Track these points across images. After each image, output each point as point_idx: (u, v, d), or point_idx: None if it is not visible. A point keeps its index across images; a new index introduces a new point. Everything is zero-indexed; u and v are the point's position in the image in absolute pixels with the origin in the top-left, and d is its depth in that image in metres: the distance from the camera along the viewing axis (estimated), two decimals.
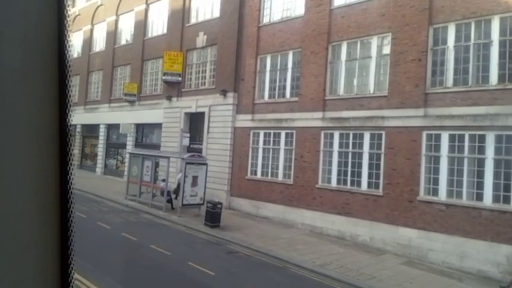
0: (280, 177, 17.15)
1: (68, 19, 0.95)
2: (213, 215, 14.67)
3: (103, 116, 28.56)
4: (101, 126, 28.86)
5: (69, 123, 0.96)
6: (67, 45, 0.94)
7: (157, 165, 19.17)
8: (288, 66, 17.43)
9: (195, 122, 21.93)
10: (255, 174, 18.21)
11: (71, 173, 0.97)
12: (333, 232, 14.92)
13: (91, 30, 31.39)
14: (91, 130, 30.67)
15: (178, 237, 13.14)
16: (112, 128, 28.66)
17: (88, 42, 31.52)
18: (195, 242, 12.69)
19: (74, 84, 33.12)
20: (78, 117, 31.29)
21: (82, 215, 14.44)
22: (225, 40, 19.92)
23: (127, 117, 26.05)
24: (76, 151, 31.57)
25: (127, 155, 25.61)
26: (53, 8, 0.92)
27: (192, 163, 16.31)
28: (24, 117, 0.87)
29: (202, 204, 16.73)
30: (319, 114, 15.76)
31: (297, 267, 10.96)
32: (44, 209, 0.92)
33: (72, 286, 1.00)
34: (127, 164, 25.58)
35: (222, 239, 13.21)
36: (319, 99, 15.86)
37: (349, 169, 14.80)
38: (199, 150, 20.49)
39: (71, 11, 33.48)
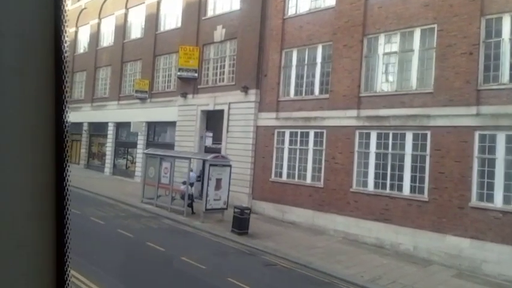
0: (308, 180, 16.02)
1: (66, 15, 0.93)
2: (240, 222, 13.55)
3: (112, 113, 27.38)
4: (109, 124, 27.67)
5: (66, 121, 0.94)
6: (64, 42, 0.93)
7: (150, 164, 17.97)
8: (317, 60, 16.28)
9: (212, 121, 20.78)
10: (280, 176, 17.08)
11: (67, 170, 0.96)
12: (371, 240, 13.81)
13: (98, 24, 30.15)
14: (98, 128, 29.47)
15: (207, 246, 12.01)
16: (121, 126, 27.47)
17: (95, 37, 30.29)
18: (227, 252, 11.56)
19: (80, 80, 32.03)
20: (85, 115, 30.16)
21: (100, 221, 13.33)
22: (245, 34, 18.76)
23: (138, 115, 24.87)
24: (82, 150, 30.44)
25: (138, 155, 24.52)
26: (50, 4, 0.91)
27: (216, 164, 15.18)
28: (20, 115, 0.87)
29: (226, 208, 15.62)
30: (353, 113, 14.62)
31: (346, 282, 9.84)
32: (40, 206, 0.91)
33: (68, 283, 0.99)
34: (140, 165, 24.48)
35: (254, 249, 12.08)
36: (353, 96, 14.72)
37: (388, 172, 13.67)
38: (218, 150, 19.34)
39: (77, 5, 32.32)
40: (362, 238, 14.01)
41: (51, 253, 0.95)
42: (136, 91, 24.58)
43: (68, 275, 1.00)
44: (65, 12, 0.93)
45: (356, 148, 14.53)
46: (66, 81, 0.94)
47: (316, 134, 15.88)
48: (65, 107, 0.94)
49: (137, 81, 24.78)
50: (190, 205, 16.07)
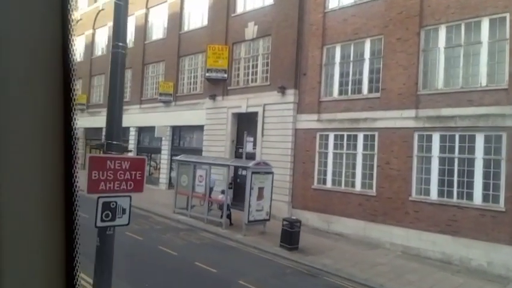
0: (358, 187, 14.63)
1: (72, 23, 0.95)
2: (291, 236, 12.22)
3: (133, 118, 26.21)
4: (131, 129, 26.55)
5: (74, 126, 0.96)
6: (72, 49, 0.96)
7: (183, 171, 16.68)
8: (365, 56, 14.90)
9: (244, 124, 19.50)
10: (324, 183, 15.71)
11: (75, 175, 0.98)
12: (435, 255, 12.37)
13: None
14: None
15: (261, 266, 10.68)
16: (143, 131, 26.35)
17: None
18: (285, 273, 10.20)
19: (99, 84, 31.08)
20: (104, 119, 29.00)
21: (137, 236, 12.10)
22: (281, 30, 17.45)
23: (162, 119, 23.72)
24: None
25: (163, 161, 23.36)
26: (57, 13, 0.93)
27: (258, 172, 13.88)
28: (30, 120, 0.89)
29: (268, 220, 14.33)
30: (410, 113, 13.22)
31: None
32: (50, 210, 0.93)
33: (77, 283, 1.00)
34: (165, 171, 23.34)
35: (312, 268, 10.72)
36: (409, 95, 13.32)
37: (455, 178, 12.23)
38: (251, 156, 18.04)
39: (94, 6, 31.40)
40: (425, 252, 12.57)
41: (60, 253, 0.97)
42: (160, 94, 23.42)
43: (77, 277, 1.00)
44: (73, 18, 0.95)
45: (415, 152, 13.11)
46: (74, 86, 0.97)
47: (366, 137, 14.49)
48: (73, 111, 0.96)
49: (161, 84, 23.62)
50: (229, 216, 14.79)
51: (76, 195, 1.01)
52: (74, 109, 0.97)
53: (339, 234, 14.77)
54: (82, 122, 31.59)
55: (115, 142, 4.84)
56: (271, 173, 14.42)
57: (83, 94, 32.09)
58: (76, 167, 1.00)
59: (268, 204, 14.24)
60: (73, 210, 1.00)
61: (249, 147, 15.10)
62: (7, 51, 0.84)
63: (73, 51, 0.96)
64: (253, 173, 13.63)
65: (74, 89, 0.97)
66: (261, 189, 13.96)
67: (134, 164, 4.81)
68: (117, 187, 4.65)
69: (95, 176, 4.49)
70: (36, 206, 0.91)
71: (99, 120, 29.66)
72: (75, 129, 0.97)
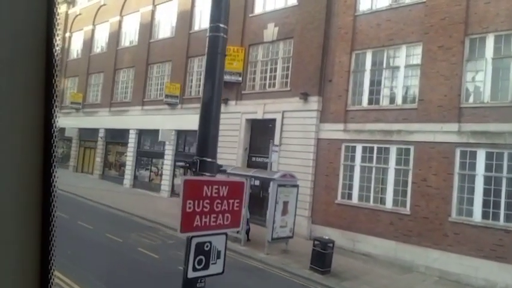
0: (389, 205, 13.54)
1: (58, 19, 0.94)
2: (324, 258, 11.00)
3: (134, 120, 24.80)
4: (130, 131, 25.06)
5: (54, 124, 0.95)
6: (55, 45, 0.94)
7: None
8: (400, 64, 13.92)
9: (258, 131, 18.32)
10: (350, 198, 14.58)
11: (54, 173, 0.96)
12: (478, 282, 11.31)
13: (119, 22, 27.74)
14: (117, 135, 26.85)
15: None
16: (144, 134, 24.90)
17: (115, 36, 27.82)
18: None
19: (96, 83, 29.57)
20: (101, 120, 27.61)
21: (151, 254, 10.74)
22: (305, 33, 16.39)
23: (166, 122, 22.34)
24: (97, 159, 27.77)
25: (166, 166, 21.97)
26: (43, 9, 0.91)
27: (284, 185, 12.69)
28: (9, 117, 0.87)
29: (291, 237, 13.13)
30: (452, 126, 12.23)
31: None
32: (26, 208, 0.91)
33: (52, 283, 0.98)
34: (168, 178, 21.91)
35: None
36: (452, 107, 12.34)
37: (502, 199, 11.23)
38: (265, 166, 16.84)
39: (95, 1, 29.94)
40: (466, 279, 11.50)
41: (36, 253, 0.94)
42: (166, 96, 22.07)
43: (52, 274, 0.98)
44: (57, 16, 0.93)
45: (457, 169, 12.10)
46: (56, 85, 0.94)
47: (400, 151, 13.45)
48: (54, 109, 0.94)
49: (167, 85, 22.28)
50: (247, 231, 13.51)
51: (54, 195, 0.96)
52: (56, 105, 0.95)
53: (366, 254, 13.62)
54: (77, 122, 30.06)
55: (210, 160, 3.59)
56: (297, 186, 13.25)
57: (78, 93, 30.50)
58: (55, 165, 0.95)
59: (292, 220, 13.06)
60: (50, 210, 0.95)
61: (274, 157, 13.91)
62: None
63: (57, 46, 0.94)
64: (279, 185, 12.43)
65: (56, 85, 0.94)
66: (285, 204, 12.78)
67: (233, 189, 3.55)
68: (213, 222, 3.39)
69: (189, 208, 3.23)
70: (12, 202, 0.87)
71: (95, 121, 28.23)
72: (55, 127, 0.94)
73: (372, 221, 13.76)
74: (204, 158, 3.55)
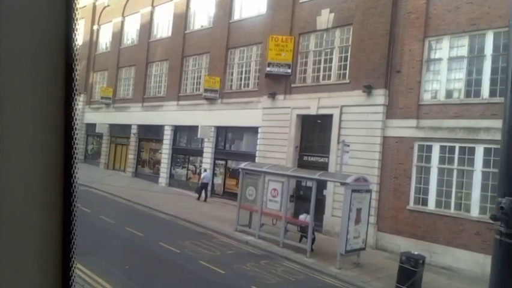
0: (474, 212, 11.90)
1: (77, 11, 0.94)
2: (413, 277, 9.48)
3: (169, 115, 23.59)
4: (166, 127, 23.87)
5: (74, 117, 0.96)
6: (74, 38, 0.94)
7: (249, 183, 14.00)
8: (485, 52, 12.19)
9: (311, 128, 16.82)
10: (425, 204, 12.99)
11: (75, 167, 0.98)
12: None
13: (151, 13, 26.49)
14: (151, 132, 25.72)
15: None
16: (180, 130, 23.69)
17: (147, 28, 26.60)
18: None
19: (127, 77, 28.46)
20: (133, 116, 26.55)
21: (218, 270, 9.40)
22: (368, 19, 14.74)
23: (204, 118, 21.05)
24: (130, 156, 26.74)
25: (204, 165, 20.71)
26: (62, 4, 0.92)
27: (358, 190, 11.20)
28: (29, 113, 0.88)
29: (364, 248, 11.65)
30: None
31: None
32: (47, 202, 0.93)
33: (73, 278, 1.01)
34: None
35: None
36: None
37: None
38: (321, 166, 15.38)
39: None
40: None
41: (57, 248, 0.96)
42: (205, 90, 20.74)
43: (73, 270, 1.00)
44: (76, 11, 0.94)
45: None
46: (76, 79, 0.95)
47: (488, 151, 11.77)
48: (74, 105, 0.95)
49: (206, 79, 20.94)
50: (313, 241, 12.09)
51: (75, 189, 0.97)
52: (75, 101, 0.95)
53: (446, 268, 12.06)
54: (107, 117, 29.12)
55: None
56: (370, 191, 11.77)
57: (109, 87, 29.49)
58: (75, 160, 0.96)
59: (365, 229, 11.60)
60: (71, 207, 0.96)
61: (345, 159, 12.40)
62: (6, 39, 0.82)
63: (76, 39, 0.94)
64: (353, 191, 10.94)
65: (76, 80, 0.95)
66: (358, 211, 11.30)
67: None
68: None
69: None
70: (33, 197, 0.89)
71: (127, 117, 27.23)
72: (75, 120, 0.95)
73: (453, 231, 12.16)
74: None
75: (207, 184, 19.57)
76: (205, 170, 20.41)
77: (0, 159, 0.85)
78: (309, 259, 11.47)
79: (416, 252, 10.02)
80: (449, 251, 12.18)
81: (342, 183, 11.24)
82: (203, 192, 19.37)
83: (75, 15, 0.94)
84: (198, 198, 19.43)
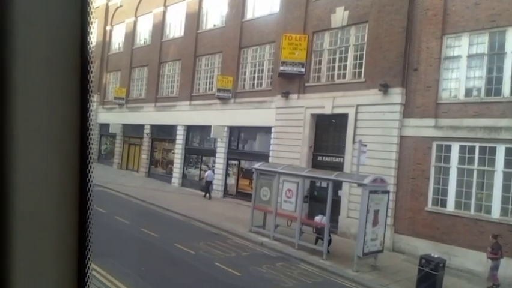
0: (495, 214, 11.59)
1: (92, 11, 0.95)
2: (434, 280, 9.27)
3: (182, 115, 23.58)
4: (178, 128, 23.88)
5: (90, 118, 0.96)
6: (89, 40, 0.95)
7: (263, 183, 13.84)
8: (506, 49, 11.86)
9: (325, 127, 16.61)
10: (444, 205, 12.70)
11: (90, 169, 0.99)
12: None
13: (164, 13, 26.51)
14: (163, 132, 25.77)
15: None
16: (192, 130, 23.67)
17: (159, 28, 26.63)
18: None
19: (140, 77, 28.57)
20: (146, 116, 26.64)
21: (234, 272, 9.33)
22: (384, 16, 14.47)
23: (217, 118, 20.97)
24: (143, 156, 26.83)
25: (218, 165, 20.65)
26: (77, 5, 0.92)
27: (376, 191, 10.99)
28: (45, 114, 0.89)
29: (382, 251, 11.44)
30: None
31: None
32: (64, 202, 0.93)
33: (88, 278, 1.01)
34: (221, 177, 20.62)
35: None
36: None
37: None
38: (335, 166, 15.16)
39: None
40: None
41: (73, 250, 0.96)
42: (218, 89, 20.66)
43: (89, 271, 1.00)
44: (92, 10, 0.94)
45: None
46: (91, 81, 0.96)
47: (509, 151, 11.44)
48: (89, 104, 0.96)
49: (219, 78, 20.86)
50: (329, 243, 11.90)
51: (91, 189, 0.97)
52: (91, 102, 0.95)
53: (466, 271, 11.77)
54: (121, 117, 29.28)
55: None
56: (388, 192, 11.54)
57: (122, 88, 29.63)
58: (90, 161, 0.97)
59: (382, 231, 11.41)
60: (87, 206, 0.97)
61: (362, 159, 12.19)
62: (23, 41, 0.83)
63: (91, 40, 0.94)
64: (370, 192, 10.73)
65: (91, 81, 0.95)
66: (376, 213, 11.09)
67: None
68: None
69: None
70: (49, 196, 0.89)
71: (140, 117, 27.34)
72: (90, 121, 0.95)
73: (473, 233, 11.87)
74: None
75: (210, 182, 20.23)
76: (209, 169, 21.33)
77: (17, 159, 0.85)
78: (326, 261, 11.30)
79: (436, 255, 9.79)
80: (469, 253, 11.88)
81: (360, 184, 11.04)
82: (207, 189, 20.10)
83: (90, 16, 0.94)
84: (205, 196, 20.00)
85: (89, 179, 0.98)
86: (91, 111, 0.97)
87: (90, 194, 0.99)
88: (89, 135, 0.97)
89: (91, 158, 0.98)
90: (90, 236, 1.00)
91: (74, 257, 0.97)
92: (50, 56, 0.88)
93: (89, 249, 1.00)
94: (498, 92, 11.93)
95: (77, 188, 0.96)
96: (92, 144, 0.99)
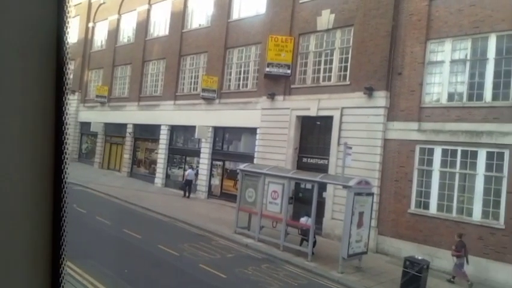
0: (477, 217, 11.84)
1: (69, 9, 0.93)
2: (418, 282, 9.39)
3: (166, 115, 23.30)
4: (162, 127, 23.58)
5: (66, 117, 0.95)
6: (66, 37, 0.93)
7: (249, 184, 13.80)
8: (488, 55, 12.11)
9: (310, 129, 16.67)
10: (426, 207, 12.89)
11: (65, 166, 0.97)
12: None
13: (148, 11, 26.17)
14: (146, 131, 25.43)
15: None
16: (176, 130, 23.41)
17: (143, 26, 26.27)
18: None
19: (123, 75, 28.11)
20: (129, 115, 26.23)
21: (219, 274, 9.20)
22: (369, 20, 14.62)
23: (202, 118, 20.82)
24: (125, 156, 26.39)
25: (202, 165, 20.48)
26: (53, 4, 0.91)
27: (360, 193, 11.06)
28: (19, 111, 0.87)
29: (366, 252, 11.52)
30: None
31: None
32: (37, 201, 0.92)
33: (63, 278, 0.99)
34: (205, 178, 20.47)
35: None
36: None
37: None
38: (320, 168, 15.22)
39: None
40: None
41: (47, 249, 0.94)
42: (203, 90, 20.48)
43: (63, 270, 0.99)
44: (69, 9, 0.93)
45: None
46: (67, 78, 0.94)
47: (490, 155, 11.70)
48: (65, 104, 0.94)
49: (204, 78, 20.68)
50: (314, 244, 11.92)
51: (65, 190, 0.95)
52: (67, 100, 0.95)
53: (449, 273, 11.93)
54: (103, 116, 28.74)
55: None
56: (372, 194, 11.64)
57: (104, 86, 29.09)
58: (65, 160, 0.95)
59: (367, 233, 11.48)
60: (61, 205, 0.95)
61: (348, 161, 12.21)
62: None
63: (67, 38, 0.92)
64: (355, 194, 10.80)
65: (67, 79, 0.94)
66: (361, 215, 11.16)
67: None
68: None
69: None
70: (23, 196, 0.88)
71: (122, 116, 26.91)
72: (66, 119, 0.94)
73: (455, 235, 12.05)
74: None
75: (190, 181, 20.25)
76: (190, 168, 21.17)
77: None
78: (311, 263, 11.31)
79: (420, 257, 9.91)
80: (451, 255, 12.07)
81: (345, 186, 11.11)
82: (187, 188, 20.08)
83: (67, 13, 0.93)
84: (184, 195, 19.90)
85: (64, 178, 0.96)
86: (67, 109, 0.96)
87: (65, 192, 0.97)
88: (65, 134, 0.96)
89: (66, 157, 0.97)
90: (65, 236, 0.98)
91: (48, 257, 0.95)
92: (24, 54, 0.86)
93: (63, 249, 0.98)
94: (480, 97, 12.19)
95: (52, 187, 0.94)
96: (68, 143, 0.98)
